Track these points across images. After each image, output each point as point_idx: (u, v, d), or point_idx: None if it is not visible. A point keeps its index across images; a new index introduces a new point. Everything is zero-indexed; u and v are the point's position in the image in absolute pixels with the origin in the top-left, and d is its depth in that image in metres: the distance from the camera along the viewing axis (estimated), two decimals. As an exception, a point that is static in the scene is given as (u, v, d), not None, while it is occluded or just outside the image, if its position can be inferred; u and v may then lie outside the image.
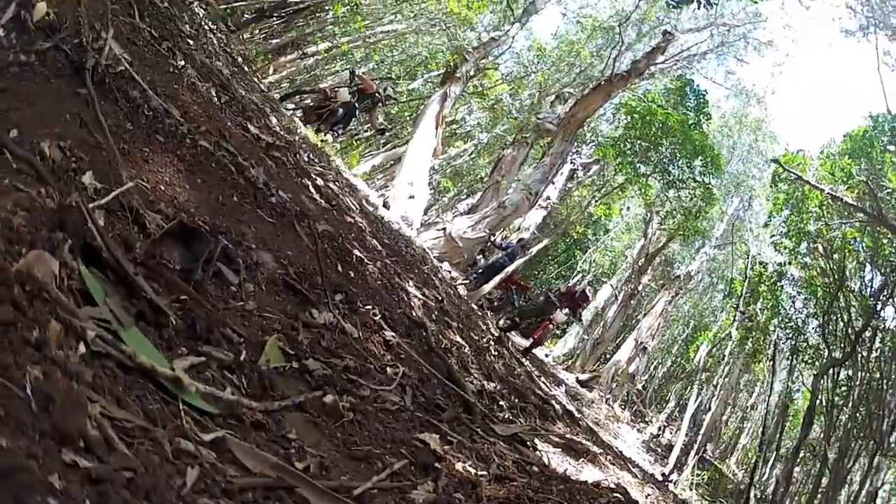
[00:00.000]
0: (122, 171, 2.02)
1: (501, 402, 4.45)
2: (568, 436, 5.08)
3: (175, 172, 2.47)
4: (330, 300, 2.86)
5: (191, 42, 4.83)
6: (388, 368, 2.82)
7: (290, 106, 11.72)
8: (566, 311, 13.05)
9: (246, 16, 15.94)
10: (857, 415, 14.54)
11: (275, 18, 17.14)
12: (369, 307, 3.38)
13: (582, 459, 4.49)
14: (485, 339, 7.37)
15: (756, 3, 14.18)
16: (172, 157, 2.54)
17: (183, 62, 3.88)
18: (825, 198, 15.21)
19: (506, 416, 4.01)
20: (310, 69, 16.35)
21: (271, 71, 15.77)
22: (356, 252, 4.25)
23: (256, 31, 17.56)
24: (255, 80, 8.49)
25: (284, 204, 3.43)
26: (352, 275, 3.79)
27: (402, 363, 3.05)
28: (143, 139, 2.47)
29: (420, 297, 5.47)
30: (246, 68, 7.98)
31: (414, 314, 4.43)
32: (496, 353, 7.15)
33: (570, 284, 16.89)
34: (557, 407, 7.10)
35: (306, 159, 5.91)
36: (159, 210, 2.16)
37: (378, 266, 4.66)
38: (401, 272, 5.54)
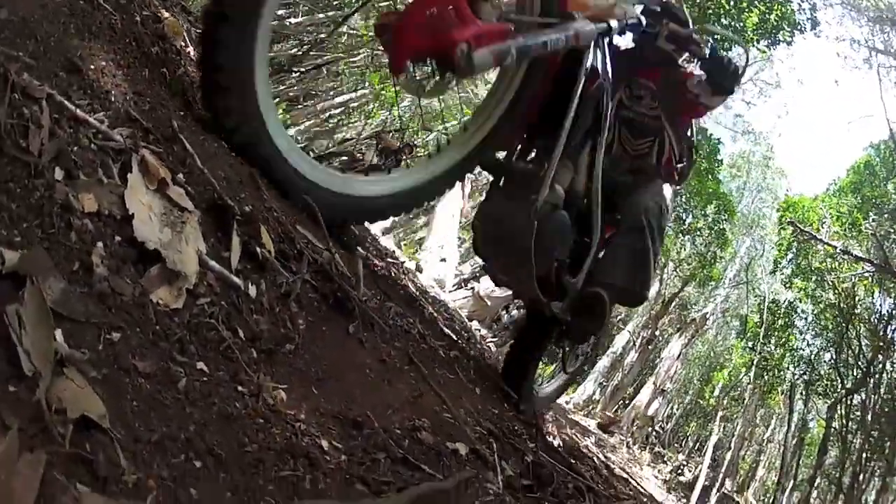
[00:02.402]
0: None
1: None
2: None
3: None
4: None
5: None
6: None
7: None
8: None
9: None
10: (871, 438, 14.67)
11: (292, 72, 17.31)
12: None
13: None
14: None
15: (765, 52, 14.38)
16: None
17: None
18: (836, 251, 15.12)
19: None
20: (326, 122, 16.52)
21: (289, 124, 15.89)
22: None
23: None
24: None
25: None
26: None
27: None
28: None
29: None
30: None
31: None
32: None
33: None
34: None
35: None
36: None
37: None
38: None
